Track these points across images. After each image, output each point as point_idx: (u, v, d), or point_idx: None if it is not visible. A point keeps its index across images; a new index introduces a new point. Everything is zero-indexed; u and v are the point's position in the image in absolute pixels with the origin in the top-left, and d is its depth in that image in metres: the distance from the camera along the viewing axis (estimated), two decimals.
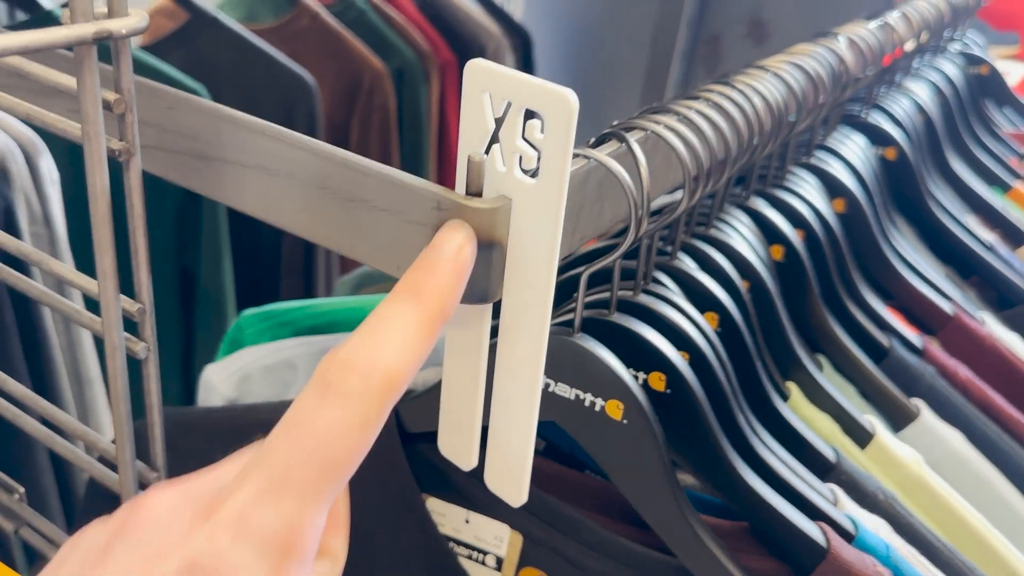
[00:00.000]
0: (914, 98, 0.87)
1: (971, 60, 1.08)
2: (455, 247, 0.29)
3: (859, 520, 0.44)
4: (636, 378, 0.42)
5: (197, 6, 1.12)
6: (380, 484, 0.45)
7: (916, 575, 0.43)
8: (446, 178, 1.39)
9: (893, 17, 0.75)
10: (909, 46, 0.83)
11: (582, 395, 0.40)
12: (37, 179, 0.87)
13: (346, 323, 0.58)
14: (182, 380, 1.17)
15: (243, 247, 1.12)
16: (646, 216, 0.38)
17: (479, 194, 0.32)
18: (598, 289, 0.46)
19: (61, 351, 0.88)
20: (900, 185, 0.76)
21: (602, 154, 0.36)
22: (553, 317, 0.46)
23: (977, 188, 0.88)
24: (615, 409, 0.40)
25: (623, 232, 0.45)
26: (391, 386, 0.25)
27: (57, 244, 0.89)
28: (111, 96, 0.30)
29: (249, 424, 0.47)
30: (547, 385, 0.41)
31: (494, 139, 0.31)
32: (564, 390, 0.41)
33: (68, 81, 0.30)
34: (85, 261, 0.33)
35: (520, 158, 0.31)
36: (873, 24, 0.71)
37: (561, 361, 0.40)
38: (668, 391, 0.42)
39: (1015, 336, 0.69)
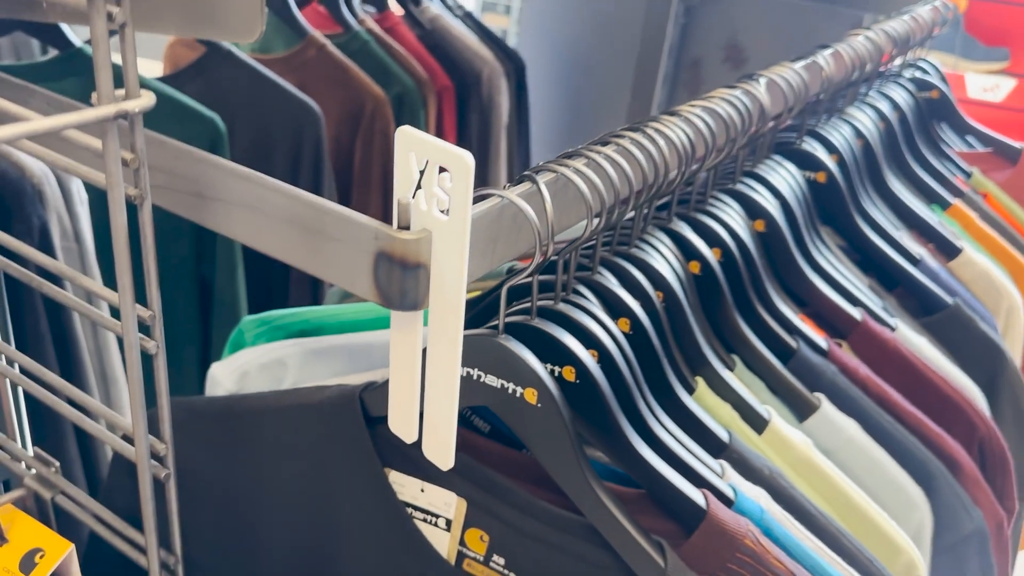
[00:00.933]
0: (855, 124, 0.96)
1: (922, 86, 1.16)
2: None
3: (739, 488, 0.54)
4: (553, 372, 0.52)
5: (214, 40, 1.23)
6: (348, 459, 0.55)
7: (785, 534, 0.53)
8: None
9: (823, 56, 0.85)
10: (856, 75, 0.93)
11: (506, 384, 0.50)
12: (68, 200, 0.98)
13: (330, 328, 0.68)
14: (199, 377, 1.28)
15: (255, 258, 1.22)
16: (551, 243, 0.48)
17: (407, 227, 0.42)
18: (527, 299, 0.56)
19: (89, 354, 0.99)
20: (831, 205, 0.85)
21: (512, 193, 0.46)
22: (487, 323, 0.56)
23: (913, 206, 0.97)
24: (531, 395, 0.50)
25: (568, 246, 0.55)
26: None
27: (86, 257, 1.00)
28: (128, 155, 0.41)
29: (240, 410, 0.57)
30: (479, 376, 0.51)
31: (419, 186, 0.42)
32: (492, 380, 0.51)
33: (95, 143, 0.41)
34: (110, 269, 0.43)
35: (437, 200, 0.41)
36: (799, 64, 0.80)
37: (489, 357, 0.50)
38: (577, 381, 0.52)
39: (924, 340, 0.78)
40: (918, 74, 1.19)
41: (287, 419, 0.56)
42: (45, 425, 0.91)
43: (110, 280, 0.43)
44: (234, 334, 0.69)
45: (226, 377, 0.65)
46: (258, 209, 0.46)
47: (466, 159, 0.39)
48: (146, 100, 0.39)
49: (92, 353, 1.01)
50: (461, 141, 1.51)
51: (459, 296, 0.42)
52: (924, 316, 0.85)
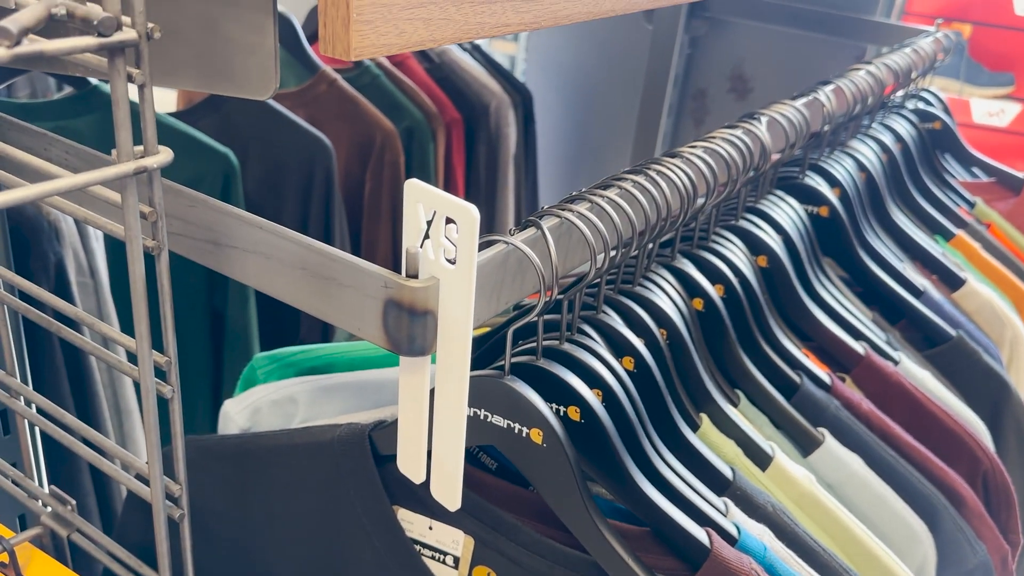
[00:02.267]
0: (857, 157, 0.97)
1: (924, 117, 1.18)
2: None
3: (743, 526, 0.55)
4: (557, 411, 0.53)
5: None
6: (357, 497, 0.56)
7: (789, 572, 0.54)
8: None
9: (825, 92, 0.86)
10: (858, 109, 0.94)
11: (512, 424, 0.51)
12: (84, 236, 1.00)
13: (340, 364, 0.69)
14: (212, 409, 1.29)
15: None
16: (555, 286, 0.49)
17: (415, 276, 0.43)
18: (533, 339, 0.57)
19: (104, 387, 1.01)
20: (834, 239, 0.87)
21: (517, 240, 0.48)
22: (494, 361, 0.57)
23: (916, 237, 0.98)
24: (537, 436, 0.51)
25: (570, 288, 0.56)
26: None
27: (101, 293, 1.02)
28: (146, 209, 0.42)
29: (252, 448, 0.59)
30: (485, 417, 0.52)
31: (427, 236, 0.43)
32: (499, 421, 0.52)
33: (115, 197, 0.42)
34: (124, 304, 0.45)
35: (444, 249, 0.42)
36: (800, 102, 0.81)
37: (495, 398, 0.51)
38: (582, 421, 0.53)
39: (927, 374, 0.79)
40: (921, 105, 1.21)
41: (297, 458, 0.58)
42: (60, 459, 0.92)
43: (124, 314, 0.44)
44: (246, 371, 0.71)
45: (238, 414, 0.67)
46: (271, 256, 0.47)
47: (471, 212, 0.40)
48: (164, 156, 0.41)
49: (106, 386, 1.03)
50: (470, 172, 1.53)
51: (466, 342, 0.43)
52: (928, 348, 0.86)
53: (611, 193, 0.55)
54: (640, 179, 0.57)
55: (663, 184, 0.58)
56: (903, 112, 1.17)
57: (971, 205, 1.15)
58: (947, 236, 1.05)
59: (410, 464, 0.49)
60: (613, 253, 0.54)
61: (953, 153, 1.24)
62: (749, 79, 1.48)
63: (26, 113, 1.12)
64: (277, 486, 0.59)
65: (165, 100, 1.49)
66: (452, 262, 0.42)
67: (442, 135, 1.44)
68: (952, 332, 0.85)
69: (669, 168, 0.60)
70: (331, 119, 1.34)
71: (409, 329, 0.43)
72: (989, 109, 2.34)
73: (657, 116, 1.51)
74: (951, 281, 0.97)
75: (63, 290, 0.96)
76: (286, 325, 1.32)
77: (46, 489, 0.62)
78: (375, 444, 0.56)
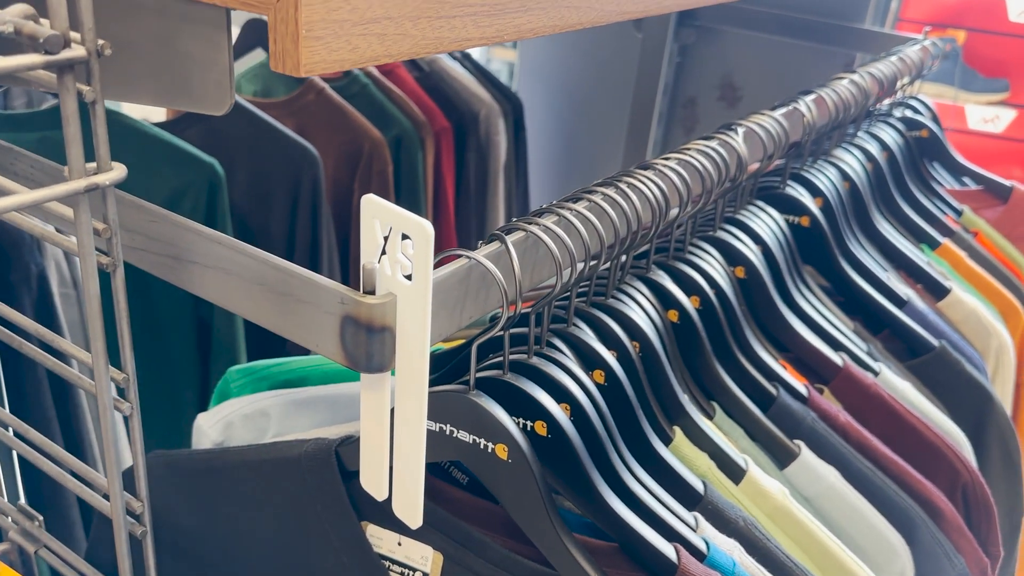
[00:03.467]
0: (841, 167, 0.97)
1: (911, 125, 1.17)
2: None
3: (713, 541, 0.54)
4: (525, 426, 0.53)
5: None
6: (325, 513, 0.56)
7: None
8: (441, 237, 1.50)
9: (806, 102, 0.86)
10: (844, 117, 0.94)
11: (477, 440, 0.51)
12: None
13: (314, 377, 0.69)
14: (199, 400, 1.28)
15: None
16: (519, 301, 0.49)
17: (373, 292, 0.43)
18: (500, 354, 0.56)
19: (86, 399, 1.00)
20: (815, 249, 0.86)
21: (479, 255, 0.47)
22: (462, 376, 0.57)
23: (901, 246, 0.98)
24: (502, 451, 0.50)
25: (542, 300, 0.56)
26: None
27: (84, 304, 1.02)
28: (100, 225, 0.42)
29: (220, 464, 0.58)
30: (451, 432, 0.52)
31: (384, 251, 0.43)
32: (464, 436, 0.51)
33: (69, 213, 0.42)
34: (109, 315, 0.44)
35: (400, 265, 0.42)
36: (780, 112, 0.81)
37: (460, 413, 0.51)
38: (549, 436, 0.52)
39: (908, 385, 0.78)
40: (908, 113, 1.20)
41: (265, 473, 0.57)
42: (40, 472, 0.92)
43: (110, 324, 0.44)
44: (220, 383, 0.70)
45: (211, 427, 0.66)
46: (229, 272, 0.47)
47: (426, 228, 0.40)
48: (116, 173, 0.41)
49: (91, 397, 1.03)
50: (459, 181, 1.53)
51: (423, 358, 0.43)
52: (910, 359, 0.85)
53: (580, 206, 0.55)
54: (610, 191, 0.57)
55: (633, 196, 0.58)
56: (890, 120, 1.17)
57: (958, 213, 1.15)
58: (933, 245, 1.04)
59: (372, 481, 0.49)
60: (581, 266, 0.54)
61: (941, 161, 1.24)
62: (739, 87, 1.48)
63: (12, 124, 1.12)
64: (245, 502, 0.58)
65: (153, 111, 1.49)
66: (409, 278, 0.42)
67: (431, 144, 1.44)
68: (935, 342, 0.85)
69: (640, 180, 0.60)
70: (319, 128, 1.34)
71: (367, 346, 0.43)
72: (984, 115, 2.34)
73: (647, 124, 1.51)
74: (936, 290, 0.96)
75: (45, 302, 0.96)
76: (273, 335, 1.32)
77: (16, 505, 0.61)
78: (342, 460, 0.55)
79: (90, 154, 0.40)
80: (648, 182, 0.60)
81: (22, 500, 0.60)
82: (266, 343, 1.30)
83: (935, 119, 1.24)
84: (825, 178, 0.92)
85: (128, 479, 0.52)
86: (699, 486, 0.58)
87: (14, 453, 0.61)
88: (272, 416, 0.65)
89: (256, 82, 1.43)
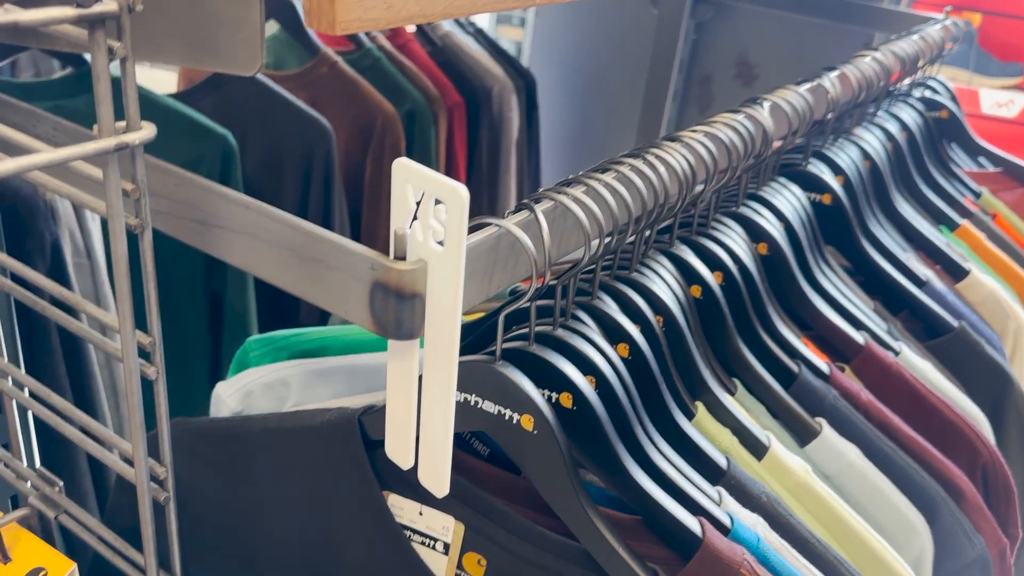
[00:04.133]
0: (862, 145, 0.96)
1: (931, 105, 1.16)
2: None
3: (737, 516, 0.54)
4: (550, 398, 0.52)
5: None
6: (347, 482, 0.56)
7: (782, 563, 0.53)
8: None
9: (830, 78, 0.85)
10: (863, 96, 0.93)
11: (503, 411, 0.50)
12: (80, 216, 1.00)
13: (333, 348, 0.68)
14: (210, 390, 1.28)
15: None
16: (547, 271, 0.48)
17: (403, 258, 0.42)
18: (527, 325, 0.56)
19: (100, 368, 1.00)
20: (837, 227, 0.85)
21: (509, 223, 0.47)
22: (487, 347, 0.56)
23: (920, 227, 0.97)
24: (527, 422, 0.50)
25: (564, 273, 0.55)
26: None
27: (98, 273, 1.01)
28: (128, 186, 0.41)
29: (242, 431, 0.58)
30: (476, 403, 0.51)
31: (416, 216, 0.42)
32: (489, 407, 0.51)
33: (97, 173, 0.41)
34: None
35: (432, 231, 0.41)
36: (804, 87, 0.80)
37: (486, 383, 0.50)
38: (574, 408, 0.52)
39: (928, 364, 0.78)
40: (927, 93, 1.19)
41: (288, 441, 0.57)
42: (54, 439, 0.92)
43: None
44: (238, 353, 0.70)
45: (230, 396, 0.66)
46: (258, 236, 0.46)
47: (460, 192, 0.39)
48: (146, 132, 0.40)
49: (103, 367, 1.02)
50: (471, 157, 1.52)
51: (454, 326, 0.43)
52: (929, 339, 0.85)
53: (608, 177, 0.54)
54: (638, 163, 0.56)
55: (661, 169, 0.57)
56: (909, 100, 1.16)
57: (977, 195, 1.14)
58: (952, 226, 1.04)
59: (398, 450, 0.48)
60: (608, 239, 0.53)
61: (960, 142, 1.23)
62: (755, 65, 1.47)
63: (25, 93, 1.11)
64: (267, 470, 0.58)
65: (166, 82, 1.48)
66: (441, 244, 0.41)
67: (444, 119, 1.43)
68: (954, 323, 0.84)
69: (668, 152, 0.59)
70: (331, 102, 1.33)
71: (396, 312, 0.42)
72: (998, 99, 2.32)
73: (662, 102, 1.50)
74: (955, 271, 0.96)
75: (59, 271, 0.95)
76: (286, 307, 1.32)
77: (35, 470, 0.61)
78: (365, 429, 0.55)
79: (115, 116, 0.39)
80: (676, 154, 0.59)
81: (38, 465, 0.60)
82: (279, 315, 1.29)
83: (954, 100, 1.23)
84: (846, 157, 0.91)
85: (149, 445, 0.52)
86: (722, 461, 0.58)
87: (30, 416, 0.61)
88: (292, 386, 0.65)
89: (268, 54, 1.42)
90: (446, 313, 0.42)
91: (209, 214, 0.48)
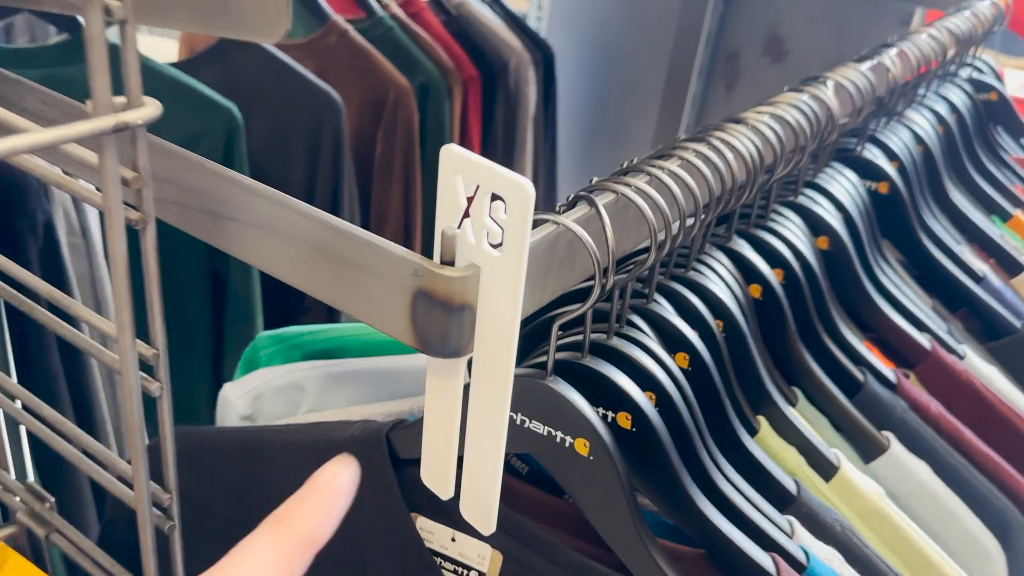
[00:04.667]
0: (914, 129, 0.90)
1: (979, 87, 1.10)
2: (327, 477, 0.32)
3: (812, 551, 0.48)
4: (605, 417, 0.46)
5: None
6: (372, 503, 0.50)
7: None
8: None
9: (889, 56, 0.78)
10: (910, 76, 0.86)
11: (553, 432, 0.44)
12: None
13: (352, 348, 0.62)
14: (212, 378, 1.22)
15: None
16: (612, 274, 0.42)
17: (452, 263, 0.36)
18: (576, 331, 0.50)
19: (101, 375, 0.93)
20: (892, 218, 0.79)
21: (569, 220, 0.40)
22: (532, 358, 0.50)
23: (974, 218, 0.91)
24: (582, 446, 0.44)
25: (628, 273, 0.49)
26: None
27: (93, 255, 0.95)
28: (129, 174, 0.35)
29: (254, 444, 0.52)
30: (523, 422, 0.45)
31: (466, 214, 0.36)
32: (537, 427, 0.45)
33: (93, 158, 0.35)
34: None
35: (487, 232, 0.35)
36: (866, 66, 0.73)
37: (534, 401, 0.44)
38: (634, 429, 0.46)
39: (994, 370, 0.72)
40: (975, 74, 1.12)
41: (306, 457, 0.51)
42: (53, 456, 0.86)
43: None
44: (248, 351, 0.64)
45: (239, 399, 0.60)
46: (279, 232, 0.40)
47: (526, 188, 0.33)
48: (150, 110, 0.33)
49: (104, 375, 0.96)
50: (486, 133, 1.45)
51: (511, 342, 0.36)
52: (989, 340, 0.79)
53: (672, 164, 0.48)
54: (703, 148, 0.50)
55: (729, 154, 0.51)
56: (957, 81, 1.09)
57: None
58: (1004, 216, 0.97)
59: (436, 477, 0.42)
60: (677, 234, 0.47)
61: (1005, 126, 1.16)
62: (786, 41, 1.39)
63: (17, 59, 1.04)
64: (283, 488, 0.51)
65: (166, 50, 1.40)
66: (496, 246, 0.35)
67: (458, 93, 1.36)
68: (1017, 324, 0.78)
69: (734, 136, 0.52)
70: (341, 73, 1.26)
71: (443, 326, 0.36)
72: (1022, 81, 2.24)
73: (686, 78, 1.43)
74: (1010, 266, 0.89)
75: (52, 252, 0.89)
76: (292, 291, 1.25)
77: (28, 482, 0.55)
78: (393, 446, 0.49)
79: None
80: (743, 138, 0.53)
81: (31, 478, 0.54)
82: (285, 300, 1.23)
83: (999, 80, 1.16)
84: (899, 141, 0.85)
85: (151, 461, 0.46)
86: (791, 486, 0.52)
87: (22, 427, 0.55)
88: (307, 390, 0.59)
89: None
90: (502, 326, 0.36)
91: (222, 204, 0.41)
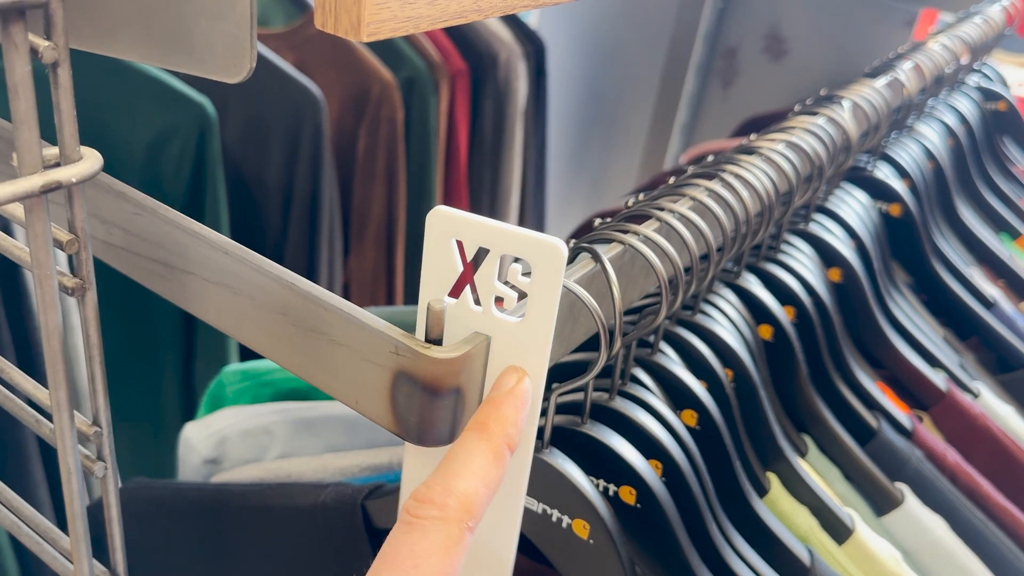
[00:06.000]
0: (925, 143, 0.85)
1: (988, 95, 1.05)
2: (513, 382, 0.31)
3: None
4: (607, 490, 0.42)
5: None
6: (345, 573, 0.45)
7: None
8: (452, 189, 1.38)
9: (904, 71, 0.73)
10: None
11: (549, 511, 0.40)
12: None
13: None
14: (182, 388, 1.17)
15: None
16: (619, 337, 0.37)
17: (439, 341, 0.31)
18: (574, 389, 0.45)
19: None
20: (903, 241, 0.75)
21: (575, 283, 0.36)
22: None
23: (984, 237, 0.87)
24: (581, 528, 0.39)
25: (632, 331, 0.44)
26: (466, 511, 0.28)
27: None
28: (64, 236, 0.30)
29: (217, 505, 0.47)
30: None
31: (472, 281, 0.31)
32: (531, 503, 0.40)
33: (21, 215, 0.30)
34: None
35: (498, 297, 0.30)
36: (881, 82, 0.69)
37: (530, 476, 0.40)
38: (638, 505, 0.41)
39: (1010, 410, 0.68)
40: (983, 82, 1.08)
41: (273, 522, 0.46)
42: (3, 445, 0.81)
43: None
44: (213, 386, 0.59)
45: (201, 442, 0.55)
46: (240, 292, 0.35)
47: (560, 251, 0.28)
48: (87, 166, 0.28)
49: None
50: (474, 130, 1.40)
51: (532, 415, 0.32)
52: (1001, 370, 0.75)
53: (683, 207, 0.43)
54: (715, 186, 0.45)
55: (743, 192, 0.46)
56: (964, 90, 1.04)
57: None
58: (1013, 234, 0.93)
59: None
60: (688, 284, 0.42)
61: (1013, 136, 1.12)
62: (785, 39, 1.35)
63: None
64: (246, 553, 0.47)
65: None
66: (511, 314, 0.31)
67: (445, 87, 1.30)
68: None
69: (748, 169, 0.48)
70: (322, 66, 1.20)
71: (428, 413, 0.31)
72: (1021, 78, 2.20)
73: (682, 75, 1.38)
74: (1020, 289, 0.85)
75: (10, 271, 0.83)
76: None
77: None
78: (369, 515, 0.44)
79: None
80: (758, 171, 0.48)
81: None
82: None
83: (1006, 87, 1.12)
84: (909, 158, 0.80)
85: (100, 516, 0.41)
86: (804, 556, 0.48)
87: None
88: (276, 435, 0.54)
89: None
90: None
91: (175, 255, 0.36)
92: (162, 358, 1.08)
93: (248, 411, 0.55)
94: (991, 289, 0.82)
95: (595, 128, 1.53)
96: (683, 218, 0.43)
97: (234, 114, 1.10)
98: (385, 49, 1.24)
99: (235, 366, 0.59)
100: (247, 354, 1.10)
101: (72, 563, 0.39)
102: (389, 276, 1.25)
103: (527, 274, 0.30)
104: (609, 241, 0.40)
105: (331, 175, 1.17)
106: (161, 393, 1.10)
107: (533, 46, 1.42)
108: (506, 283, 0.30)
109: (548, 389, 0.40)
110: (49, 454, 0.84)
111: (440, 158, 1.33)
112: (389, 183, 1.24)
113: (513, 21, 1.42)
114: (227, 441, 0.55)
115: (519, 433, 0.31)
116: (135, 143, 0.99)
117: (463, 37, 1.35)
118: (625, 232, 0.40)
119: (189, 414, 1.11)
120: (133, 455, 1.15)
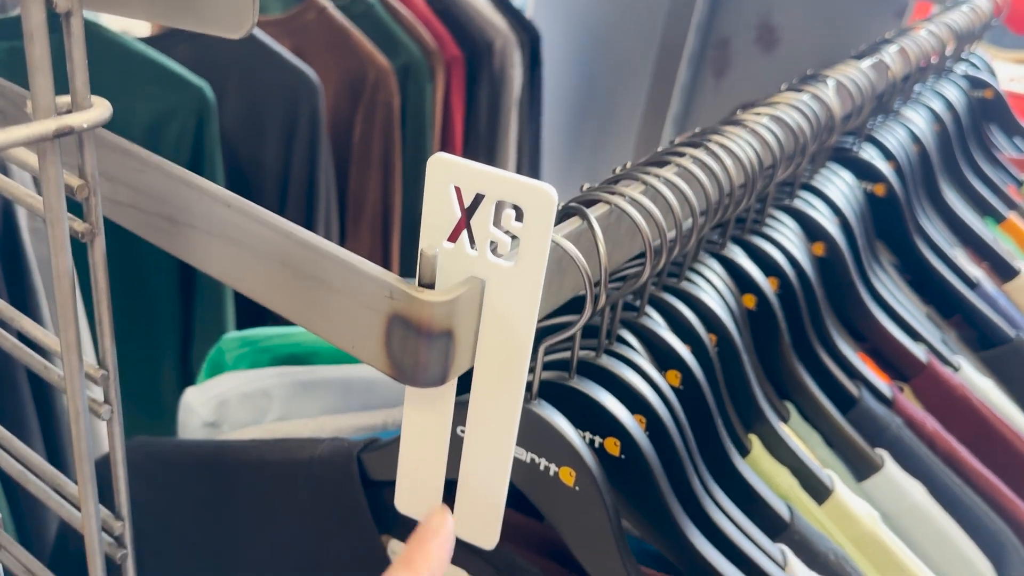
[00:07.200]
0: (910, 127, 0.87)
1: (975, 83, 1.07)
2: (438, 523, 0.35)
3: None
4: (592, 442, 0.43)
5: None
6: (341, 525, 0.47)
7: None
8: None
9: (889, 53, 0.75)
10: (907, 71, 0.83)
11: (537, 459, 0.41)
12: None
13: (323, 354, 0.59)
14: (180, 366, 1.18)
15: None
16: (604, 292, 0.39)
17: (431, 286, 0.33)
18: (562, 346, 0.47)
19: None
20: (888, 220, 0.77)
21: (562, 237, 0.37)
22: None
23: (968, 220, 0.89)
24: (568, 476, 0.41)
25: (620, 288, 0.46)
26: None
27: None
28: (75, 182, 0.31)
29: (216, 460, 0.49)
30: None
31: (460, 226, 0.33)
32: (520, 453, 0.42)
33: (35, 161, 0.31)
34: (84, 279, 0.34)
35: (493, 243, 0.32)
36: (866, 63, 0.71)
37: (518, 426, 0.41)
38: (622, 456, 0.43)
39: (989, 383, 0.70)
40: (971, 70, 1.10)
41: (271, 476, 0.48)
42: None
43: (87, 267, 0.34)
44: (213, 353, 0.60)
45: (202, 406, 0.57)
46: (241, 243, 0.36)
47: (550, 195, 0.30)
48: (98, 112, 0.30)
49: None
50: (469, 116, 1.41)
51: (523, 355, 0.34)
52: (983, 348, 0.77)
53: (668, 172, 0.45)
54: (700, 153, 0.47)
55: (727, 160, 0.48)
56: (952, 78, 1.06)
57: (1020, 183, 1.05)
58: (998, 219, 0.95)
59: (414, 505, 0.39)
60: (672, 246, 0.44)
61: (999, 124, 1.14)
62: (777, 29, 1.36)
63: None
64: (245, 508, 0.49)
65: (137, 25, 1.35)
66: (501, 256, 0.32)
67: (441, 74, 1.32)
68: (1011, 333, 0.76)
69: (732, 139, 0.49)
70: (319, 52, 1.22)
71: (421, 354, 0.33)
72: (1012, 74, 2.22)
73: (675, 65, 1.39)
74: (1003, 271, 0.87)
75: (12, 239, 0.84)
76: None
77: None
78: (365, 467, 0.46)
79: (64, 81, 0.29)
80: (741, 142, 0.50)
81: None
82: None
83: (994, 76, 1.14)
84: (895, 141, 0.82)
85: (105, 476, 0.42)
86: (784, 512, 0.49)
87: None
88: (275, 397, 0.56)
89: None
90: (514, 341, 0.33)
91: (179, 210, 0.38)
92: (160, 337, 1.09)
93: (247, 375, 0.57)
94: (974, 270, 0.84)
95: (589, 116, 1.54)
96: (668, 182, 0.44)
97: (232, 99, 1.11)
98: (381, 35, 1.26)
99: (234, 333, 0.60)
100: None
101: (79, 509, 0.41)
102: (385, 260, 1.27)
103: (520, 220, 0.31)
104: (596, 202, 0.41)
105: (327, 160, 1.18)
106: (160, 371, 1.11)
107: (528, 34, 1.44)
108: (504, 232, 0.32)
109: (537, 342, 0.41)
110: (44, 407, 0.85)
111: (435, 145, 1.35)
112: (385, 168, 1.26)
113: (509, 9, 1.43)
114: (227, 404, 0.57)
115: (442, 570, 0.34)
116: (134, 125, 1.00)
117: (459, 24, 1.37)
118: (612, 194, 0.42)
119: None
120: (130, 433, 1.16)
